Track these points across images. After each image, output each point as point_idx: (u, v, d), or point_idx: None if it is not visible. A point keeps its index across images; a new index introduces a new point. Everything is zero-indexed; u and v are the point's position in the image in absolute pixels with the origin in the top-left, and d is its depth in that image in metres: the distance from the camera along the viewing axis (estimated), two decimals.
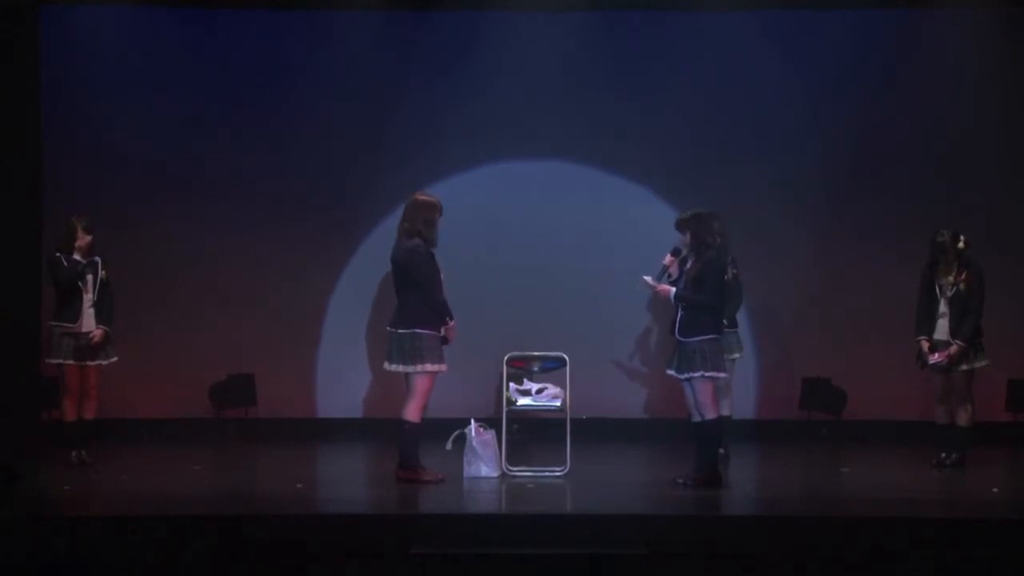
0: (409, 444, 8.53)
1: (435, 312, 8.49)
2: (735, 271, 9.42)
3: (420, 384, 8.47)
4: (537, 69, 10.78)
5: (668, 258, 8.66)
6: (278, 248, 10.77)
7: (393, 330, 8.53)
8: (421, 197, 8.73)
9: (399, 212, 8.79)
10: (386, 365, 8.59)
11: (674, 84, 10.79)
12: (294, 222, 10.80)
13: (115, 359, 9.26)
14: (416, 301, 8.48)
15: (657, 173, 10.83)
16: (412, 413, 8.49)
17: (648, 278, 8.56)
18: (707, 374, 8.36)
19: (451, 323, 8.51)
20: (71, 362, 9.09)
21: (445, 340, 8.54)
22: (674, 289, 8.50)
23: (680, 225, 8.58)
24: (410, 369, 8.45)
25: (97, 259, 9.22)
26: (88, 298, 9.15)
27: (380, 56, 10.83)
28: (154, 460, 9.54)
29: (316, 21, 10.81)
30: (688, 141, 10.83)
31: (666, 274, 8.65)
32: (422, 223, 8.55)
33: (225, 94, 10.83)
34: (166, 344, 10.65)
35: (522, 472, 8.85)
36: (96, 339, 9.11)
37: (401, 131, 10.82)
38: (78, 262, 9.11)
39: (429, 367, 8.44)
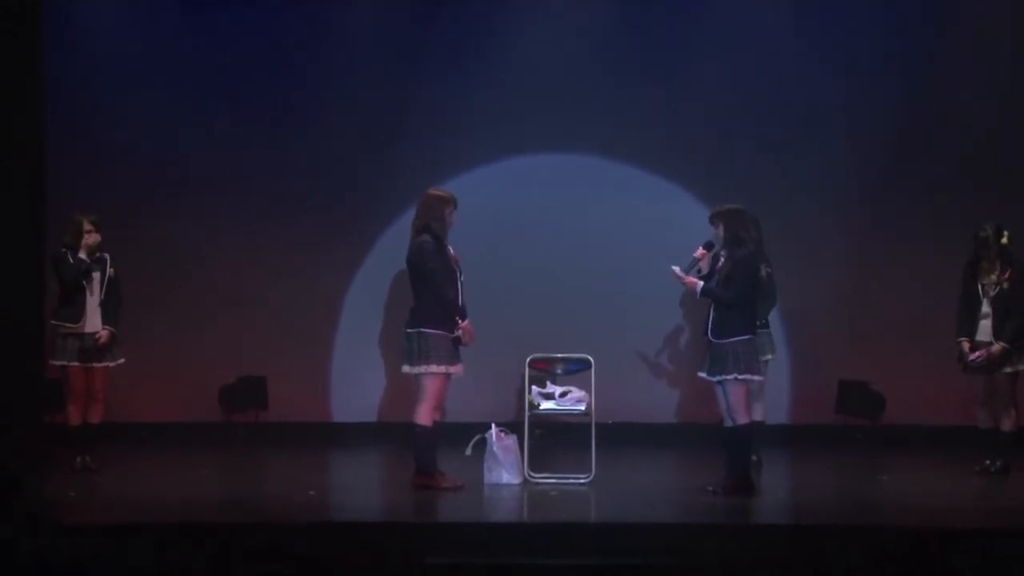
0: (424, 449, 8.52)
1: (445, 311, 8.49)
2: (769, 270, 9.40)
3: (429, 385, 8.48)
4: (556, 58, 10.78)
5: (699, 251, 8.64)
6: (289, 246, 10.81)
7: (405, 330, 8.57)
8: (434, 192, 8.75)
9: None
10: (402, 367, 8.61)
11: (700, 72, 10.76)
12: (307, 219, 10.83)
13: (122, 361, 9.30)
14: (427, 300, 8.49)
15: (684, 166, 10.82)
16: (422, 416, 8.49)
17: (676, 268, 8.54)
18: (740, 376, 8.34)
19: (463, 324, 8.50)
20: (76, 364, 9.12)
21: (459, 341, 8.53)
22: (701, 283, 8.48)
23: (714, 218, 8.57)
24: (416, 370, 8.46)
25: (106, 256, 9.25)
26: (94, 298, 9.18)
27: (391, 47, 10.85)
28: (161, 466, 9.57)
29: (323, 11, 10.84)
30: (716, 132, 10.81)
31: (696, 267, 8.63)
32: (432, 219, 8.56)
33: (232, 88, 10.87)
34: (174, 345, 10.69)
35: (545, 479, 8.84)
36: (102, 340, 9.13)
37: (418, 124, 10.84)
38: (83, 260, 9.16)
39: (435, 368, 8.43)
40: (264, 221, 10.82)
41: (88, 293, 9.18)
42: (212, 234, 10.82)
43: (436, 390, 8.50)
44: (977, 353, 9.17)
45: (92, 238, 9.17)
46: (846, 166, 10.81)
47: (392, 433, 10.18)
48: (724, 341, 8.35)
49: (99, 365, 9.19)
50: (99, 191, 10.55)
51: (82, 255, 9.17)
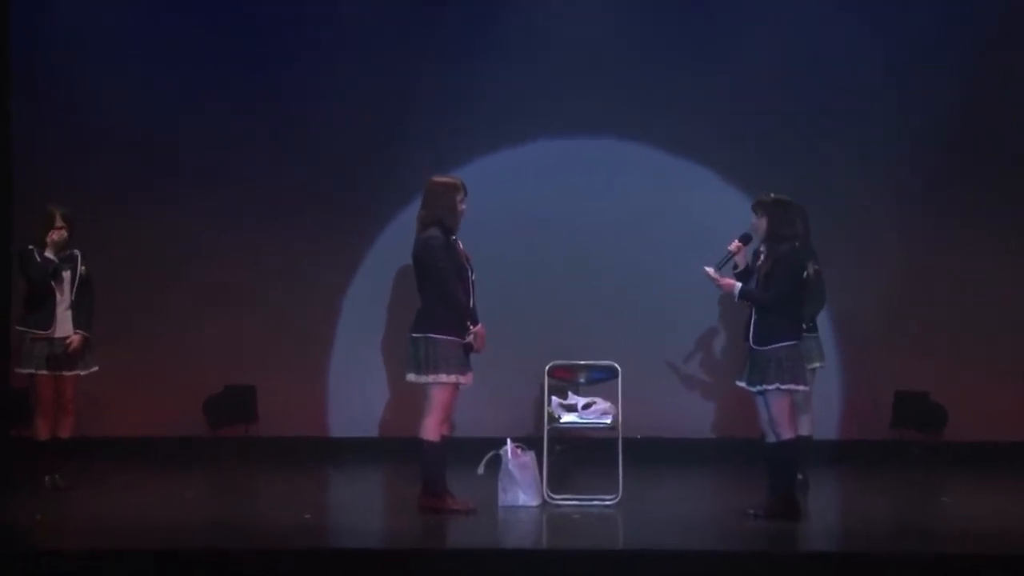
0: (431, 467, 8.50)
1: (456, 314, 8.46)
2: (816, 267, 9.34)
3: (436, 397, 8.44)
4: (581, 33, 10.78)
5: (735, 244, 8.64)
6: (283, 243, 10.81)
7: (410, 335, 8.53)
8: (440, 180, 8.70)
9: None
10: (407, 375, 8.58)
11: (741, 51, 10.73)
12: (301, 213, 10.84)
13: (95, 369, 9.29)
14: (435, 301, 8.46)
15: (722, 153, 10.78)
16: (429, 431, 8.46)
17: (710, 269, 8.50)
18: (783, 386, 8.29)
19: (475, 329, 8.48)
20: (44, 372, 9.11)
21: (471, 348, 8.50)
22: (739, 284, 8.45)
23: (757, 208, 8.51)
24: (423, 379, 8.44)
25: (76, 253, 9.24)
26: (64, 299, 9.17)
27: (398, 25, 10.86)
28: (139, 485, 9.57)
29: None
30: (758, 116, 10.78)
31: (731, 262, 8.60)
32: (442, 209, 8.51)
33: (221, 73, 10.89)
34: (154, 352, 10.71)
35: (566, 501, 8.84)
36: (73, 346, 9.12)
37: (423, 108, 10.83)
38: (51, 260, 9.11)
39: (444, 377, 8.40)
40: (255, 215, 10.83)
41: (58, 294, 9.15)
42: (196, 230, 10.81)
43: (445, 401, 8.46)
44: None
45: (58, 235, 9.12)
46: (903, 151, 10.78)
47: (396, 449, 10.19)
48: (766, 347, 8.31)
49: (70, 373, 9.17)
50: (73, 182, 10.59)
51: (49, 254, 9.13)
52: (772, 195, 8.52)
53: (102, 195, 10.63)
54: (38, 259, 9.13)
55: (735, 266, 8.59)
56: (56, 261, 9.13)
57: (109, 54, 10.79)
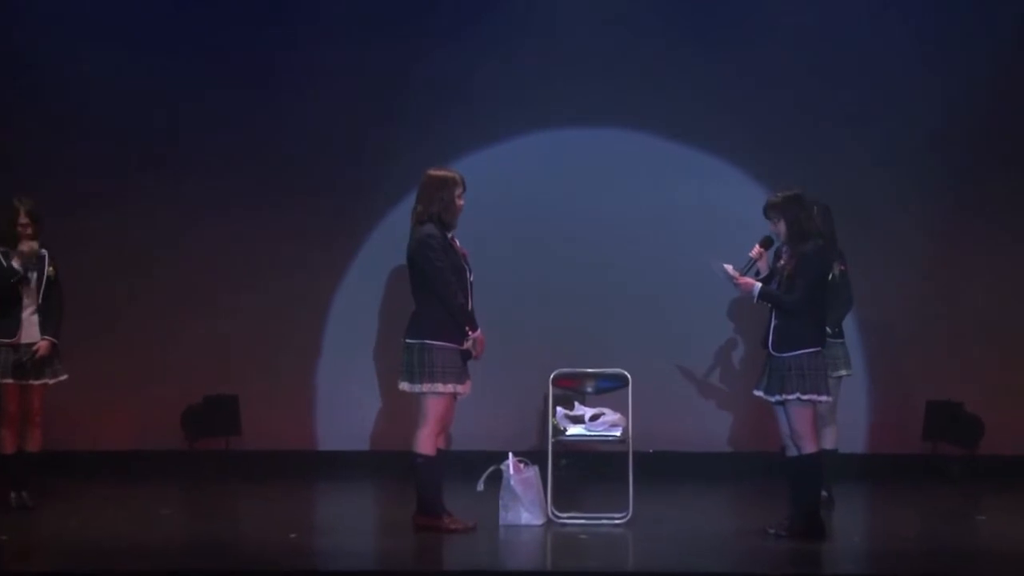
0: (427, 483, 8.48)
1: (453, 319, 8.45)
2: (842, 268, 9.36)
3: (432, 407, 8.44)
4: (591, 15, 10.77)
5: (756, 249, 8.59)
6: (267, 242, 10.81)
7: (404, 341, 8.52)
8: (437, 173, 8.66)
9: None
10: (399, 384, 8.58)
11: (761, 36, 10.74)
12: (288, 207, 10.84)
13: (64, 377, 9.27)
14: (431, 304, 8.45)
15: (741, 146, 10.78)
16: (423, 444, 8.45)
17: (728, 266, 8.46)
18: (805, 396, 8.27)
19: (474, 334, 8.47)
20: (9, 381, 9.10)
21: (469, 355, 8.49)
22: (758, 285, 8.43)
23: (770, 211, 8.48)
24: (417, 388, 8.42)
25: (44, 253, 9.19)
26: (31, 302, 9.14)
27: (392, 10, 10.86)
28: (112, 503, 9.56)
29: None
30: (779, 108, 10.79)
31: (753, 268, 8.57)
32: (439, 205, 8.50)
33: (203, 55, 10.89)
34: (128, 359, 10.72)
35: (572, 519, 8.82)
36: (41, 353, 9.10)
37: (420, 95, 10.80)
38: (15, 271, 9.04)
39: (440, 387, 8.39)
40: (238, 211, 10.82)
41: (24, 297, 9.13)
42: (175, 227, 10.81)
43: (441, 412, 8.45)
44: None
45: (29, 247, 9.04)
46: (932, 144, 10.76)
47: (388, 464, 10.20)
48: (787, 354, 8.29)
49: (37, 383, 9.16)
50: (44, 173, 10.58)
51: (16, 264, 9.06)
52: (781, 193, 8.49)
53: (70, 189, 10.60)
54: (4, 264, 9.10)
55: (757, 273, 8.56)
56: (20, 272, 9.06)
57: (84, 38, 10.76)
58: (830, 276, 8.76)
